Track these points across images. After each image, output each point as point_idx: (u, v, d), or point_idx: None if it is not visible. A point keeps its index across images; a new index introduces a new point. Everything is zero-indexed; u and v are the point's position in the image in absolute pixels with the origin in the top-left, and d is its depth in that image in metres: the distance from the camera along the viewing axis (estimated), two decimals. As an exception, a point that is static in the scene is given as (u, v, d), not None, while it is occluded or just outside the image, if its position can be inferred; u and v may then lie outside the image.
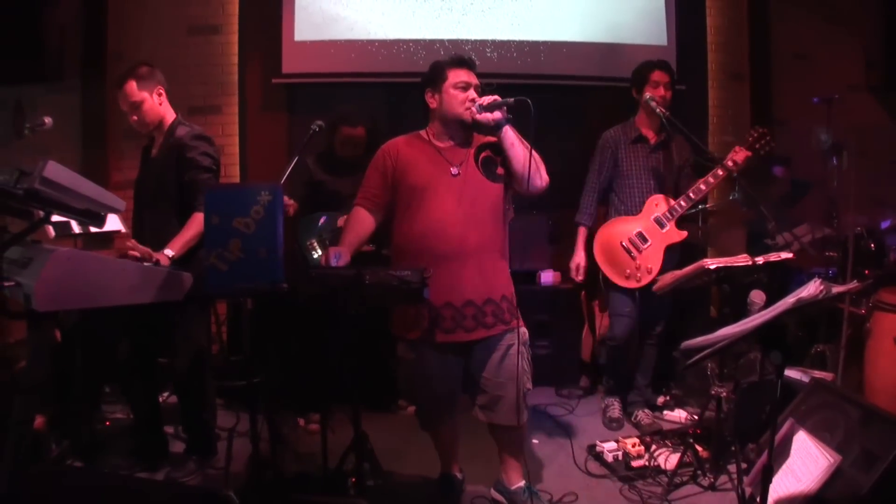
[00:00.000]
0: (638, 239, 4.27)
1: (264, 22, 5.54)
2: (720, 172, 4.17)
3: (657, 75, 4.29)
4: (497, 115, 3.20)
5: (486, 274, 3.25)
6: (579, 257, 4.46)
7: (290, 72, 5.55)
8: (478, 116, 3.23)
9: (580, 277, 4.46)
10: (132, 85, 3.64)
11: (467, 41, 5.61)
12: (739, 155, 4.15)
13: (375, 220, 3.38)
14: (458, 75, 3.27)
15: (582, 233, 4.47)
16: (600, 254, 4.34)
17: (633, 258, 4.26)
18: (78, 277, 2.58)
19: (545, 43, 5.70)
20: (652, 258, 4.24)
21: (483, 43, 5.63)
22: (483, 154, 3.35)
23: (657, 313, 4.41)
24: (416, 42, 5.58)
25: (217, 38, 5.57)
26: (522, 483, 3.42)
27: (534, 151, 3.21)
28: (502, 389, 3.25)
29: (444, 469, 3.64)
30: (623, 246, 4.28)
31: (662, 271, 4.13)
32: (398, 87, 5.58)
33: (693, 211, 4.52)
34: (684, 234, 4.29)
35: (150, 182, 3.71)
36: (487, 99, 3.21)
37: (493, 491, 3.54)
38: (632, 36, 5.79)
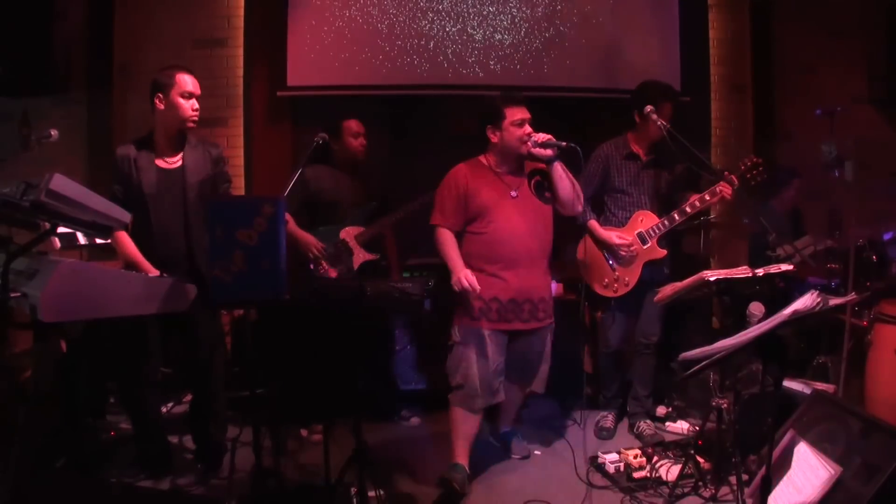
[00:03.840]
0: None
1: (269, 35, 5.57)
2: (707, 198, 4.20)
3: (668, 108, 4.24)
4: (549, 152, 3.72)
5: (540, 277, 3.92)
6: (616, 238, 4.32)
7: (295, 84, 5.58)
8: (533, 150, 3.75)
9: (630, 248, 4.31)
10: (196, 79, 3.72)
11: (471, 54, 5.65)
12: (728, 189, 4.16)
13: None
14: (514, 113, 3.78)
15: (593, 224, 4.38)
16: (582, 262, 4.45)
17: (613, 269, 4.36)
18: (83, 289, 2.60)
19: (548, 54, 5.75)
20: (630, 271, 4.33)
21: (486, 54, 5.67)
22: (535, 179, 3.93)
23: (649, 323, 4.44)
24: (420, 55, 5.61)
25: (222, 51, 5.60)
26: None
27: (576, 183, 3.82)
28: (538, 368, 4.04)
29: (457, 457, 3.81)
30: (605, 256, 4.38)
31: (640, 285, 4.31)
32: (402, 100, 5.63)
33: (695, 222, 4.59)
34: (664, 252, 4.33)
35: (191, 196, 3.66)
36: (542, 137, 3.72)
37: (490, 438, 4.30)
38: (635, 49, 5.83)
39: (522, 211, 3.85)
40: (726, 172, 4.21)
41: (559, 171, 3.77)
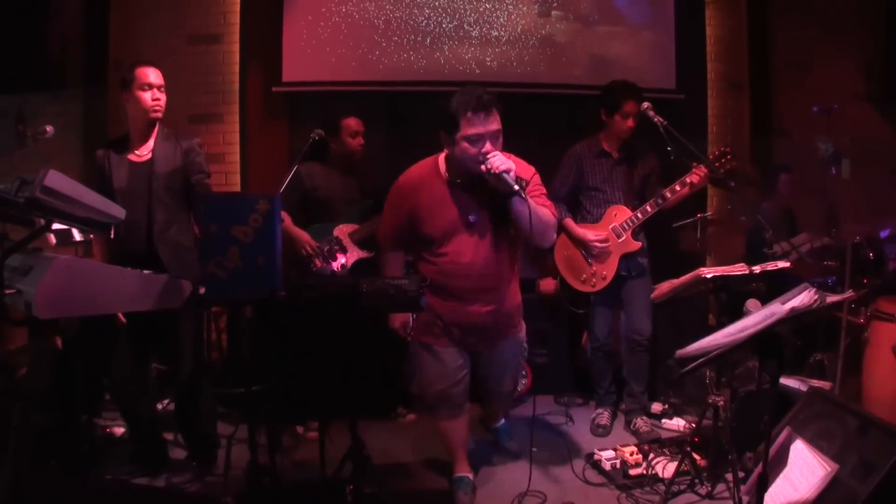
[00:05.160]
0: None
1: (265, 31, 5.55)
2: (677, 188, 4.27)
3: (630, 106, 4.28)
4: (500, 185, 3.11)
5: (502, 302, 3.48)
6: (591, 234, 4.38)
7: (290, 80, 5.57)
8: (486, 177, 3.14)
9: (604, 244, 4.36)
10: (159, 72, 3.71)
11: (468, 50, 5.64)
12: (697, 175, 4.23)
13: (404, 254, 3.65)
14: (471, 125, 3.10)
15: (569, 223, 4.44)
16: (560, 259, 4.51)
17: (590, 264, 4.41)
18: (78, 285, 2.59)
19: (544, 50, 5.73)
20: (606, 265, 4.39)
21: (483, 51, 5.66)
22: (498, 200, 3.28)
23: (638, 320, 4.46)
24: (417, 51, 5.60)
25: (218, 47, 5.59)
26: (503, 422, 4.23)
27: (546, 214, 3.26)
28: (502, 384, 3.81)
29: (457, 470, 3.67)
30: (581, 252, 4.43)
31: (619, 278, 4.39)
32: (399, 96, 5.62)
33: (691, 220, 4.73)
34: (639, 244, 4.41)
35: (156, 186, 3.67)
36: (498, 167, 3.06)
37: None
38: (631, 46, 5.82)
39: (480, 241, 3.32)
40: (694, 163, 4.24)
41: (517, 208, 3.14)
